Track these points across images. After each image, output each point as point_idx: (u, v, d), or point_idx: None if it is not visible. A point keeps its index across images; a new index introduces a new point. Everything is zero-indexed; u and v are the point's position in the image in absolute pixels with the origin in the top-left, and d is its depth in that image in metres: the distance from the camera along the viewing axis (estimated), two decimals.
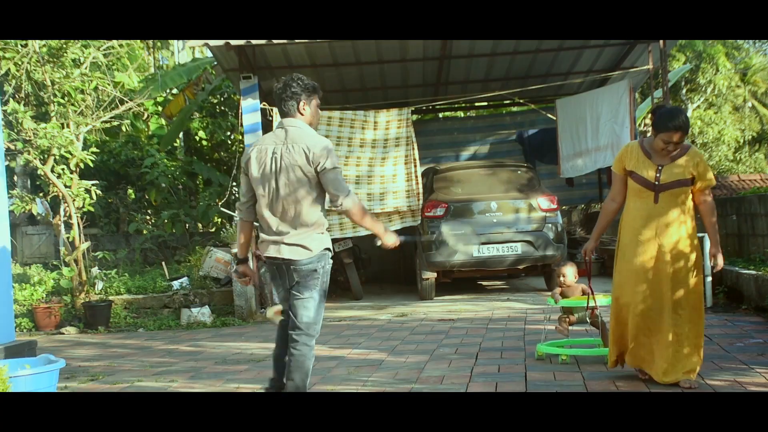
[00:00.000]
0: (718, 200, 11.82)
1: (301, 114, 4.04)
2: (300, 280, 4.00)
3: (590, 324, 5.40)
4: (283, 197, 3.95)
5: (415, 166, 9.61)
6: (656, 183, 4.44)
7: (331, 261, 4.11)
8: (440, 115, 15.58)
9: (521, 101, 12.27)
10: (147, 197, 13.43)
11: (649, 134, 4.61)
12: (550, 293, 5.67)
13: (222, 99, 14.43)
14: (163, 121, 14.65)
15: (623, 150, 4.66)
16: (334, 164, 3.93)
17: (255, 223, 4.33)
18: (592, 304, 5.13)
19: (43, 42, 9.26)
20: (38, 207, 10.01)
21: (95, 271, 9.48)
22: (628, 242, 4.53)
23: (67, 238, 9.30)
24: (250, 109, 9.16)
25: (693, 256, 4.47)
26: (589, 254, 4.81)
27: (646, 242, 4.45)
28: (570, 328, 5.43)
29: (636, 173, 4.49)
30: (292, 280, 4.02)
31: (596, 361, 5.28)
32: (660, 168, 4.44)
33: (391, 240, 4.15)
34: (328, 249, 4.07)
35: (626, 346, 4.56)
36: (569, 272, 5.45)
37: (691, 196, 4.52)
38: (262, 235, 4.12)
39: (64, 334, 8.50)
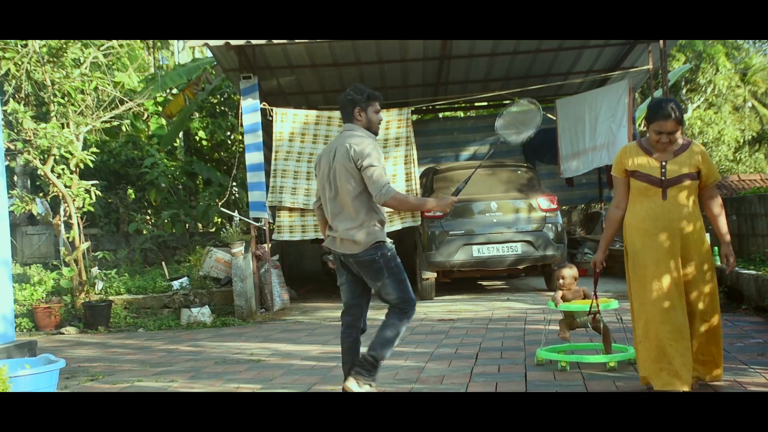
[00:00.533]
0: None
1: (358, 119, 4.32)
2: (363, 272, 4.29)
3: (592, 329, 5.19)
4: (335, 195, 4.27)
5: (414, 166, 9.62)
6: (663, 178, 4.19)
7: (390, 249, 4.28)
8: (440, 115, 15.57)
9: None
10: (147, 197, 13.42)
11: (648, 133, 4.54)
12: (549, 293, 5.65)
13: (222, 99, 14.42)
14: (163, 121, 14.64)
15: (621, 152, 4.42)
16: (371, 162, 4.14)
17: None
18: (594, 309, 4.91)
19: (43, 42, 9.26)
20: (38, 207, 10.01)
21: (95, 271, 9.48)
22: (641, 247, 4.24)
23: (67, 238, 9.31)
24: (250, 109, 9.16)
25: (708, 254, 4.28)
26: (599, 266, 4.56)
27: (661, 243, 4.19)
28: (571, 331, 5.30)
29: (639, 172, 4.25)
30: (355, 270, 4.31)
31: (597, 363, 5.27)
32: (664, 163, 4.21)
33: (447, 206, 4.29)
34: (381, 241, 4.25)
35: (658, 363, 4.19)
36: (568, 274, 5.27)
37: (697, 193, 4.28)
38: (327, 231, 4.44)
39: (64, 334, 8.50)
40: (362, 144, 4.18)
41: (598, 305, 4.89)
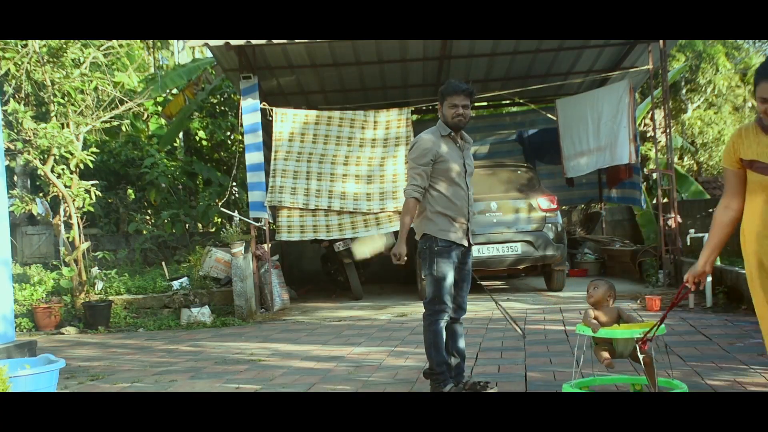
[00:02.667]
0: (717, 200, 11.81)
1: (439, 114, 4.60)
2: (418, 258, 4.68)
3: (632, 359, 4.19)
4: None
5: None
6: None
7: (442, 246, 4.43)
8: None
9: (521, 101, 12.27)
10: (147, 197, 13.43)
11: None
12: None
13: (222, 99, 14.43)
14: (163, 121, 14.65)
15: (734, 136, 3.32)
16: (409, 159, 4.51)
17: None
18: (643, 335, 3.92)
19: (43, 42, 9.26)
20: (38, 207, 10.01)
21: (95, 271, 9.48)
22: (754, 268, 3.28)
23: (67, 238, 9.31)
24: (250, 109, 9.16)
25: None
26: (693, 280, 3.48)
27: None
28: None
29: (759, 162, 3.15)
30: None
31: (596, 360, 5.26)
32: None
33: (396, 256, 4.41)
34: (427, 234, 4.48)
35: None
36: (604, 292, 4.22)
37: None
38: None
39: (64, 334, 8.50)
40: (416, 141, 4.51)
41: (655, 330, 3.85)
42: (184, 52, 18.94)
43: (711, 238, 3.43)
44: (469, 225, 4.57)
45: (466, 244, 4.54)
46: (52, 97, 9.50)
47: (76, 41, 9.54)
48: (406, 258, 4.41)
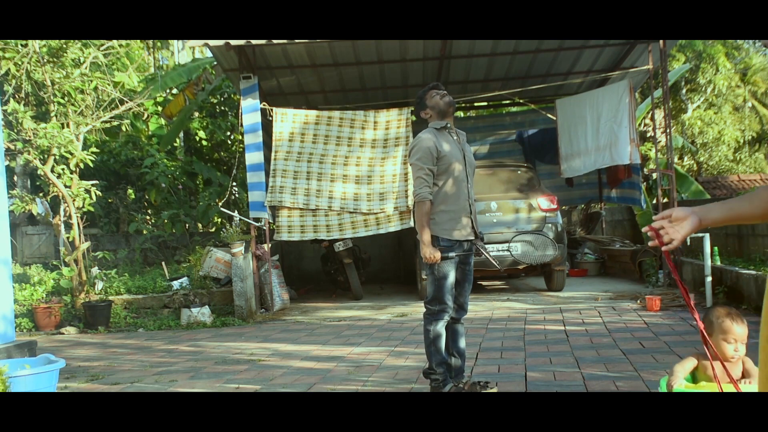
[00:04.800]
0: (718, 200, 11.83)
1: (429, 118, 4.65)
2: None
3: None
4: None
5: None
6: None
7: (439, 244, 4.44)
8: None
9: (521, 101, 12.28)
10: (147, 197, 13.43)
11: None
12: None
13: (222, 99, 14.44)
14: (163, 121, 14.66)
15: None
16: (413, 161, 4.49)
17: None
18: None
19: (43, 42, 9.27)
20: (38, 207, 10.02)
21: (95, 271, 9.48)
22: None
23: (67, 238, 9.31)
24: (250, 109, 9.16)
25: None
26: (663, 217, 2.21)
27: None
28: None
29: None
30: None
31: (596, 361, 5.27)
32: None
33: (429, 256, 4.41)
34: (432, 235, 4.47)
35: None
36: (741, 333, 3.08)
37: None
38: None
39: (64, 334, 8.51)
40: (417, 142, 4.51)
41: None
42: (184, 52, 18.95)
43: (740, 204, 2.28)
44: (473, 219, 4.58)
45: (472, 238, 4.60)
46: (52, 97, 9.51)
47: (76, 41, 9.55)
48: (439, 255, 4.41)
